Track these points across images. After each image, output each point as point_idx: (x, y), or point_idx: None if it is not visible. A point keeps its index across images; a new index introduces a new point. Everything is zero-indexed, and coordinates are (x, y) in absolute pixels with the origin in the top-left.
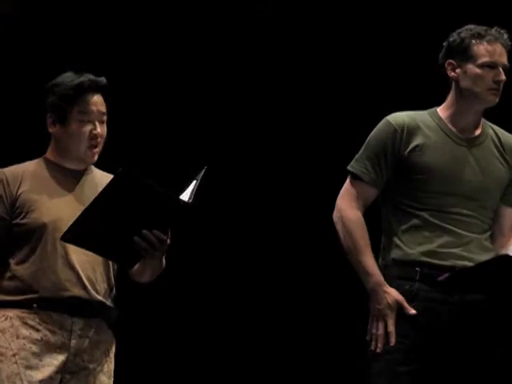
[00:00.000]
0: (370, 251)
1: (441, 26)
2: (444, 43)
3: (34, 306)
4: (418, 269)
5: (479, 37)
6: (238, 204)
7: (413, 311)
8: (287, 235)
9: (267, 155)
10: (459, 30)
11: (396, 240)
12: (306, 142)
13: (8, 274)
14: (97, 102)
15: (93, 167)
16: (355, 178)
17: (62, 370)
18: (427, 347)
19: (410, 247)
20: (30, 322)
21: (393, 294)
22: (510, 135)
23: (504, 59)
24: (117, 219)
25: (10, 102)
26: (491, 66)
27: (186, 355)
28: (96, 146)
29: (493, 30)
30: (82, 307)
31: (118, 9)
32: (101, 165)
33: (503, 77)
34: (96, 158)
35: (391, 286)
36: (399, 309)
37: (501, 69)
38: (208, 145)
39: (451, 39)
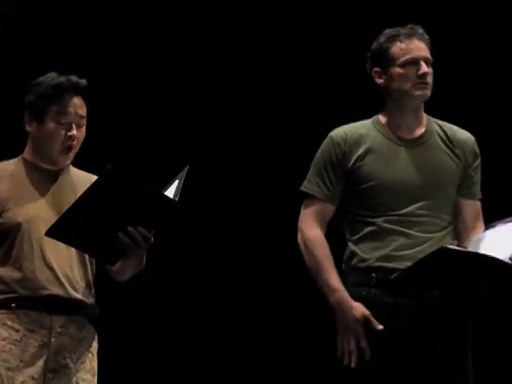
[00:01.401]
0: (332, 268)
1: None
2: (368, 54)
3: (13, 305)
4: (373, 274)
5: (393, 38)
6: (227, 203)
7: (380, 326)
8: (281, 235)
9: (264, 155)
10: (378, 37)
11: (354, 248)
12: (303, 142)
13: None
14: (75, 104)
15: (71, 166)
16: (310, 197)
17: (44, 369)
18: (388, 352)
19: (366, 254)
20: (9, 323)
21: (359, 308)
22: (457, 129)
23: (423, 52)
24: (103, 216)
25: (9, 101)
26: (412, 62)
27: (174, 353)
28: (71, 149)
29: (405, 28)
30: (61, 305)
31: (117, 8)
32: (85, 164)
33: (426, 69)
34: (70, 160)
35: (350, 292)
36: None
37: (422, 62)
38: (204, 144)
39: (372, 48)
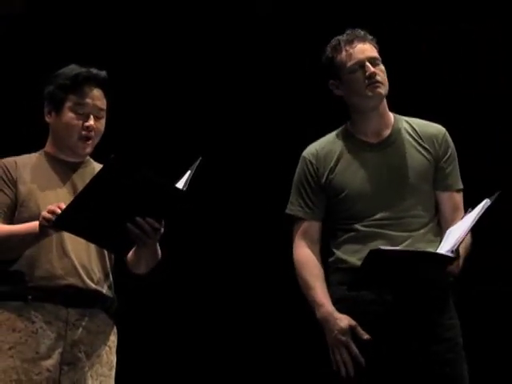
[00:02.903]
0: (319, 285)
1: None
2: (319, 67)
3: (29, 297)
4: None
5: (335, 48)
6: (240, 198)
7: (367, 336)
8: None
9: (266, 154)
10: (324, 49)
11: (336, 252)
12: (303, 141)
13: (2, 265)
14: (94, 95)
15: (91, 160)
16: (295, 218)
17: (60, 361)
18: (371, 350)
19: (348, 256)
20: (26, 314)
21: (345, 319)
22: (427, 123)
23: (366, 53)
24: (109, 206)
25: (13, 100)
26: (358, 66)
27: (190, 347)
28: (88, 139)
29: (345, 35)
30: (78, 296)
31: (120, 9)
32: (97, 158)
33: (372, 69)
34: (89, 150)
35: (333, 291)
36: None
37: (367, 63)
38: (206, 139)
39: (321, 61)
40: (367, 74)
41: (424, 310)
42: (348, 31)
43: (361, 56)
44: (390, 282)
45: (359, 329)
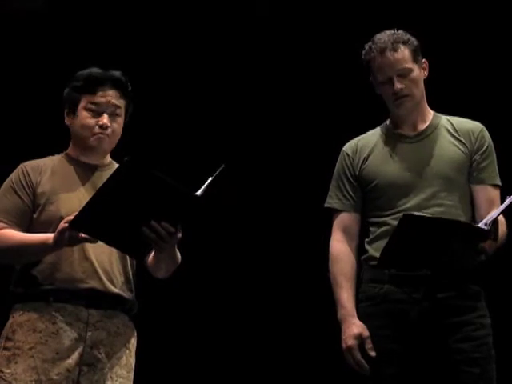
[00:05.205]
0: (348, 286)
1: None
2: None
3: (51, 299)
4: (386, 271)
5: (368, 53)
6: (253, 202)
7: (373, 353)
8: (299, 234)
9: (263, 155)
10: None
11: (368, 248)
12: (306, 143)
13: (25, 267)
14: (107, 94)
15: (114, 162)
16: (334, 211)
17: (79, 362)
18: (401, 349)
19: (378, 252)
20: (47, 315)
21: (359, 327)
22: (467, 120)
23: (395, 67)
24: (124, 208)
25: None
26: (386, 81)
27: (208, 352)
28: (103, 136)
29: (378, 41)
30: (98, 299)
31: (126, 14)
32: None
33: (398, 86)
34: (106, 146)
35: (363, 289)
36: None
37: (395, 78)
38: (212, 146)
39: (361, 59)
40: (392, 92)
41: (453, 308)
42: (382, 34)
43: (389, 72)
44: (421, 258)
45: (368, 341)
